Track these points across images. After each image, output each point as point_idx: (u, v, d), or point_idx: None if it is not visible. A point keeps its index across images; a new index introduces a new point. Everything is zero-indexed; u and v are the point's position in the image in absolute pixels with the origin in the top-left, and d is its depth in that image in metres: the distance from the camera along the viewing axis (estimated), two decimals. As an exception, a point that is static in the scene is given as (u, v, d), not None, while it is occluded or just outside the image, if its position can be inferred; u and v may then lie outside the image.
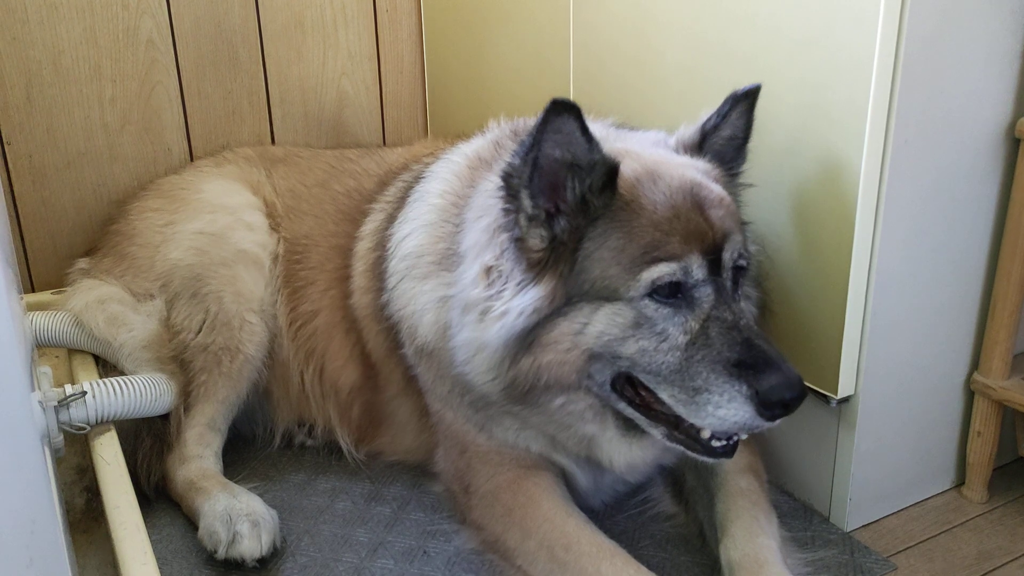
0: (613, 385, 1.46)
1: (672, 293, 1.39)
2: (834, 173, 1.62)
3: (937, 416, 1.89)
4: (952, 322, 1.82)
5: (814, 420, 1.82)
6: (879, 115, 1.54)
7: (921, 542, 1.78)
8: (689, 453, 1.47)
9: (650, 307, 1.39)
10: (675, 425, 1.45)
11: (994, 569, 1.70)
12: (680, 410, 1.40)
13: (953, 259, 1.76)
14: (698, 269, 1.40)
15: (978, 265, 1.80)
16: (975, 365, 1.88)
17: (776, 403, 1.33)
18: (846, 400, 1.74)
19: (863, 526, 1.83)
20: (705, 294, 1.41)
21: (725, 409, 1.35)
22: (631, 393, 1.47)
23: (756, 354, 1.36)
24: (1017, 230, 1.72)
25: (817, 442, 1.83)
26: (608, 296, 1.40)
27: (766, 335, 1.43)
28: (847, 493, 1.79)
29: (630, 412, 1.49)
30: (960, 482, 1.96)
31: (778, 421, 1.37)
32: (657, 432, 1.48)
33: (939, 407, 1.88)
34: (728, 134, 1.61)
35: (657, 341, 1.40)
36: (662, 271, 1.38)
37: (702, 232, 1.41)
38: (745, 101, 1.58)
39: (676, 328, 1.40)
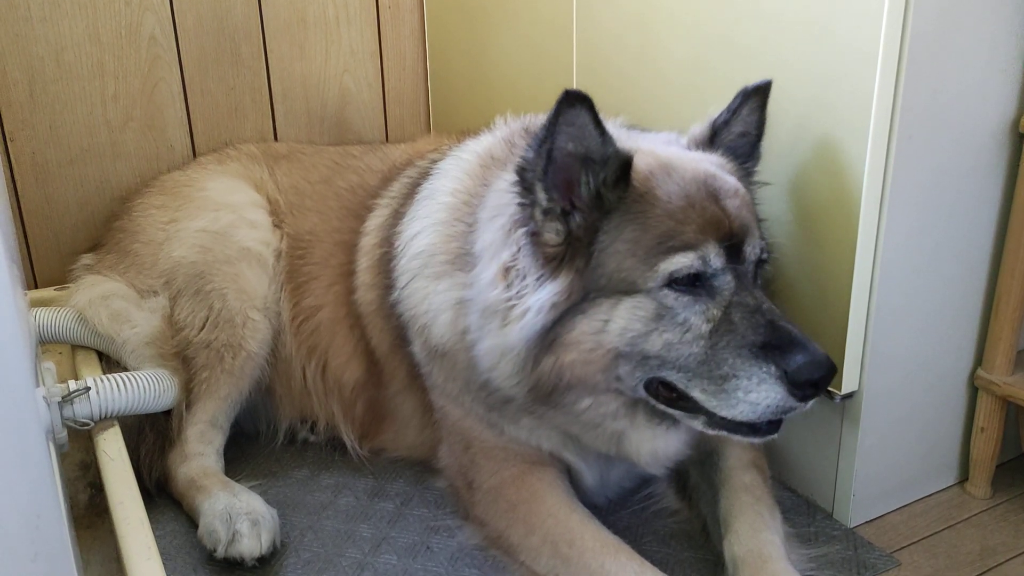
0: (647, 387, 1.45)
1: (691, 282, 1.38)
2: (838, 168, 1.61)
3: (941, 412, 1.88)
4: (956, 318, 1.82)
5: (818, 416, 1.82)
6: (883, 109, 1.54)
7: (924, 538, 1.78)
8: (735, 437, 1.44)
9: (670, 297, 1.38)
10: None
11: (997, 565, 1.70)
12: (712, 403, 1.38)
13: (957, 255, 1.76)
14: (716, 257, 1.39)
15: (982, 261, 1.80)
16: (979, 361, 1.87)
17: (805, 383, 1.32)
18: (850, 396, 1.74)
19: (866, 522, 1.83)
20: (725, 282, 1.40)
21: (756, 392, 1.34)
22: (667, 393, 1.45)
23: (782, 335, 1.35)
24: (1021, 226, 1.71)
25: (821, 438, 1.83)
26: (626, 289, 1.39)
27: (788, 318, 1.42)
28: (850, 489, 1.78)
29: (669, 410, 1.47)
30: (964, 478, 1.96)
31: (811, 402, 1.35)
32: (697, 423, 1.45)
33: (943, 403, 1.88)
34: (740, 130, 1.59)
35: (681, 332, 1.39)
36: (680, 262, 1.37)
37: (718, 220, 1.40)
38: (756, 97, 1.57)
39: (698, 317, 1.39)
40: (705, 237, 1.39)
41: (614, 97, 2.08)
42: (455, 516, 1.80)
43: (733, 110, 1.58)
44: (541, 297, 1.42)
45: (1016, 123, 1.71)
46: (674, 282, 1.38)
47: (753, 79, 1.60)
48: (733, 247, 1.41)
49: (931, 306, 1.76)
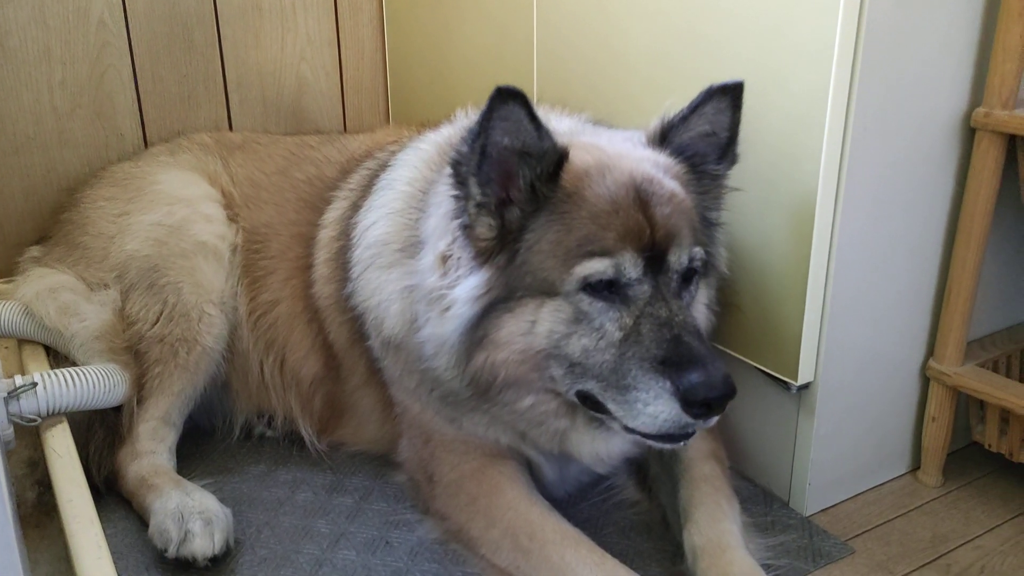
0: (577, 395, 1.46)
1: (606, 288, 1.38)
2: (795, 160, 1.63)
3: (894, 402, 1.92)
4: (909, 310, 1.85)
5: (774, 406, 1.84)
6: (839, 103, 1.55)
7: (878, 526, 1.81)
8: (650, 443, 1.44)
9: (585, 301, 1.39)
10: None
11: (948, 552, 1.73)
12: (619, 413, 1.39)
13: (910, 247, 1.79)
14: (632, 268, 1.38)
15: (934, 253, 1.83)
16: (931, 352, 1.91)
17: (698, 402, 1.31)
18: (806, 387, 1.76)
19: (822, 511, 1.86)
20: (641, 291, 1.39)
21: (653, 406, 1.34)
22: (591, 401, 1.46)
23: (683, 351, 1.34)
24: (971, 219, 1.75)
25: (777, 428, 1.85)
26: (547, 290, 1.40)
27: (701, 333, 1.41)
28: (806, 478, 1.81)
29: (595, 415, 1.48)
30: (916, 467, 2.00)
31: (713, 420, 1.36)
32: (616, 426, 1.46)
33: (896, 393, 1.91)
34: (704, 130, 1.54)
35: (596, 338, 1.39)
36: (593, 268, 1.37)
37: (640, 229, 1.39)
38: (723, 96, 1.51)
39: (612, 324, 1.39)
40: (624, 245, 1.38)
41: (577, 87, 2.07)
42: (415, 510, 1.79)
43: (694, 107, 1.53)
44: (465, 289, 1.42)
45: (967, 117, 1.74)
46: (589, 287, 1.38)
47: (712, 68, 1.59)
48: (655, 257, 1.40)
49: (885, 298, 1.79)
